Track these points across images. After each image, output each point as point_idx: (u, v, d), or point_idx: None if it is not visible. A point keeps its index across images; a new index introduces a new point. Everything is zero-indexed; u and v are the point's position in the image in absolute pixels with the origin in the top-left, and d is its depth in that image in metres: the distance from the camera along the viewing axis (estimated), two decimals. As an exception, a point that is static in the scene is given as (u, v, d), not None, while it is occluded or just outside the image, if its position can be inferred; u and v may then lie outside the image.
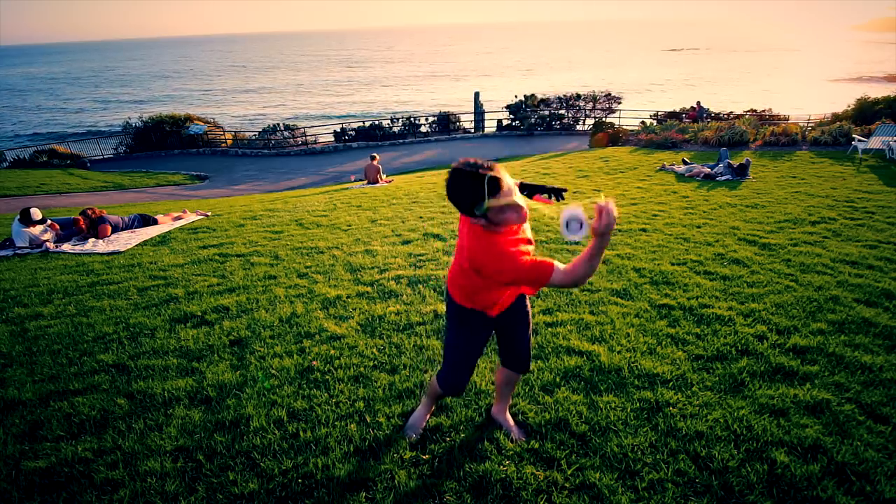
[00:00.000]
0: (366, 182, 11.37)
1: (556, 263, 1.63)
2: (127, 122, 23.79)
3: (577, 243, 1.81)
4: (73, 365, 2.96)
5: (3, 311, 3.84)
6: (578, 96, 24.20)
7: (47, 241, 5.91)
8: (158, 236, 6.16)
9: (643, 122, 18.87)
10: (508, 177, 1.57)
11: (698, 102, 20.55)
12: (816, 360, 2.82)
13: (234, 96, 55.08)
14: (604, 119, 20.41)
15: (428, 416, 2.32)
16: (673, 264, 4.38)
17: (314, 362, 2.87)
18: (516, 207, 1.59)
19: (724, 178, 8.81)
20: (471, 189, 1.55)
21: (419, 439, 2.22)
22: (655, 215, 6.23)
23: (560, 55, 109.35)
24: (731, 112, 20.85)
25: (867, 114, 17.19)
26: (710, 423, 2.29)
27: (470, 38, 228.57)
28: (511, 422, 2.29)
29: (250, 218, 6.99)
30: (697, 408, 2.40)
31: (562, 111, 23.71)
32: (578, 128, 23.42)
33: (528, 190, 1.99)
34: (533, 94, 24.18)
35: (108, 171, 18.75)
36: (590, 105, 24.17)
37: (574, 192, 8.09)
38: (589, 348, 2.94)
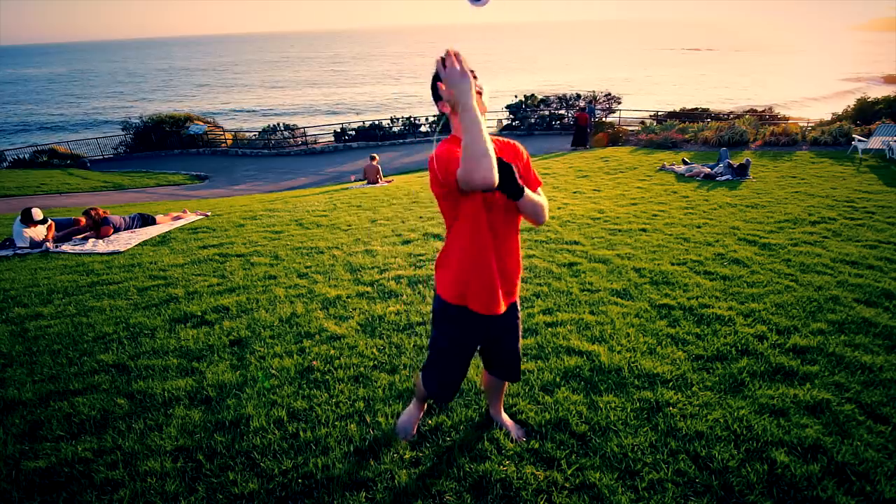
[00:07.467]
0: (366, 182, 11.38)
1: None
2: (127, 122, 23.76)
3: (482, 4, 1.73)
4: (73, 365, 2.95)
5: (3, 311, 3.83)
6: (578, 96, 24.20)
7: (47, 241, 5.91)
8: (158, 236, 6.16)
9: (643, 122, 18.88)
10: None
11: (588, 101, 18.86)
12: (816, 360, 2.82)
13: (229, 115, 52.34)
14: (604, 119, 20.41)
15: (420, 416, 2.28)
16: (673, 264, 4.39)
17: (314, 362, 2.87)
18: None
19: (724, 178, 8.82)
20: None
21: (418, 440, 2.20)
22: (655, 215, 6.23)
23: (560, 55, 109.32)
24: (730, 112, 20.85)
25: (867, 114, 17.23)
26: (710, 423, 2.29)
27: (469, 38, 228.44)
28: (509, 421, 2.29)
29: (250, 218, 6.99)
30: (697, 408, 2.40)
31: (562, 111, 23.71)
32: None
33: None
34: (533, 94, 24.19)
35: (108, 171, 18.75)
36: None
37: (574, 193, 8.09)
38: (589, 348, 2.94)
